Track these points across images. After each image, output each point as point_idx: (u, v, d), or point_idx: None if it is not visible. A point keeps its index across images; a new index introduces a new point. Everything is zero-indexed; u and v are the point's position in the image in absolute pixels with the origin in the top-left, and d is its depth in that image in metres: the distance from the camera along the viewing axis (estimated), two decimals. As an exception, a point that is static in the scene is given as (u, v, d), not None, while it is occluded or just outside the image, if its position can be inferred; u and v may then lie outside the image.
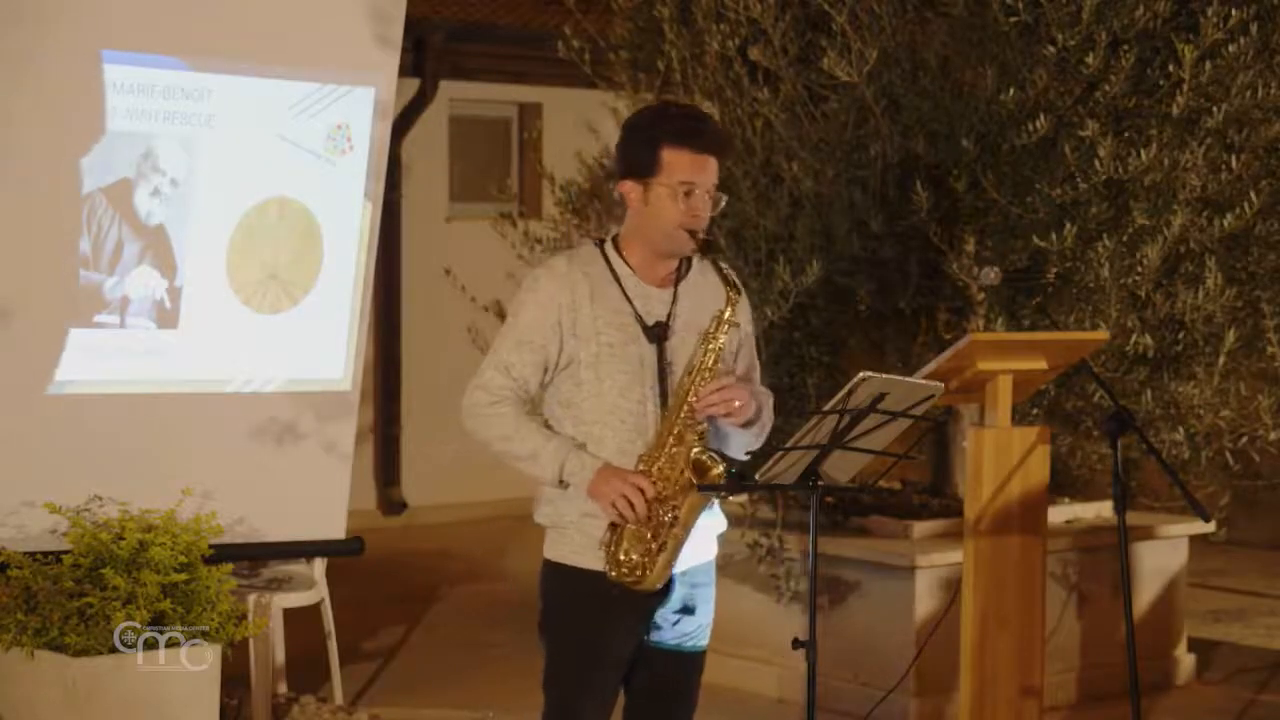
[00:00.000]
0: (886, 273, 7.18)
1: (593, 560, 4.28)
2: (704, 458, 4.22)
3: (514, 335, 4.29)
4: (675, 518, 4.23)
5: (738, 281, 4.31)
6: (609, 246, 4.36)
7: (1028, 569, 5.78)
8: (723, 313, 4.26)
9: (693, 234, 4.26)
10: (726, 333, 4.26)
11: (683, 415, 4.23)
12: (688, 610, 4.39)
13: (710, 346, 4.25)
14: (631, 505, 4.19)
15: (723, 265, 4.32)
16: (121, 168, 6.24)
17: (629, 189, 4.30)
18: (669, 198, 4.24)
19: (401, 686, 7.52)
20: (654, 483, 4.21)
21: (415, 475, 11.94)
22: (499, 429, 4.27)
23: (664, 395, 4.30)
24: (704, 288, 4.38)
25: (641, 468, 4.24)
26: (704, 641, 4.45)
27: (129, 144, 6.24)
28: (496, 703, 7.10)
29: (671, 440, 4.24)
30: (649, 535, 4.23)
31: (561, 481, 4.25)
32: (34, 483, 6.02)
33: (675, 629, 4.38)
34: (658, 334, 4.30)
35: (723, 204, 4.34)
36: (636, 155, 4.28)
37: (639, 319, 4.30)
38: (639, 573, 4.23)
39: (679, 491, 4.23)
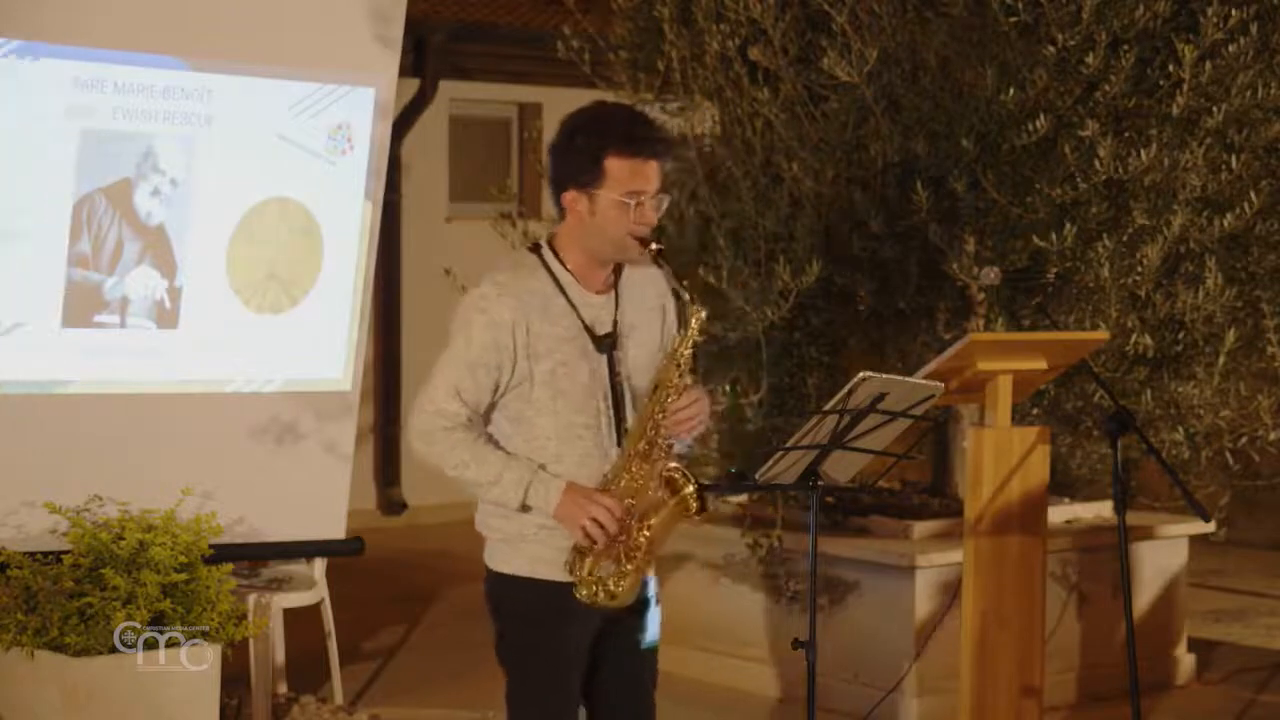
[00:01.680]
0: (886, 273, 7.17)
1: (552, 571, 4.21)
2: (675, 475, 4.14)
3: (466, 358, 4.15)
4: (649, 537, 4.17)
5: (683, 293, 4.19)
6: (547, 253, 4.24)
7: (1028, 569, 5.79)
8: (689, 330, 4.17)
9: (642, 241, 4.17)
10: (690, 349, 4.18)
11: (648, 432, 4.16)
12: (648, 605, 4.34)
13: (676, 365, 4.16)
14: (602, 527, 4.11)
15: (674, 279, 4.21)
16: (121, 168, 6.24)
17: (573, 200, 4.19)
18: (616, 208, 4.14)
19: (401, 686, 7.52)
20: (621, 502, 4.14)
21: (415, 475, 11.93)
22: (457, 455, 4.15)
23: (617, 405, 4.23)
24: (641, 284, 4.31)
25: (608, 487, 4.16)
26: (658, 636, 4.40)
27: (129, 144, 6.24)
28: (496, 703, 7.04)
29: (637, 458, 4.16)
30: (621, 555, 4.16)
31: (524, 505, 4.17)
32: (34, 483, 6.03)
33: (635, 628, 4.33)
34: (608, 344, 4.22)
35: (665, 205, 4.24)
36: (578, 165, 4.17)
37: (588, 330, 4.21)
38: (610, 591, 4.17)
39: (650, 509, 4.16)
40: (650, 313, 4.31)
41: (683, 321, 4.24)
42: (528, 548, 4.24)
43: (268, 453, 6.59)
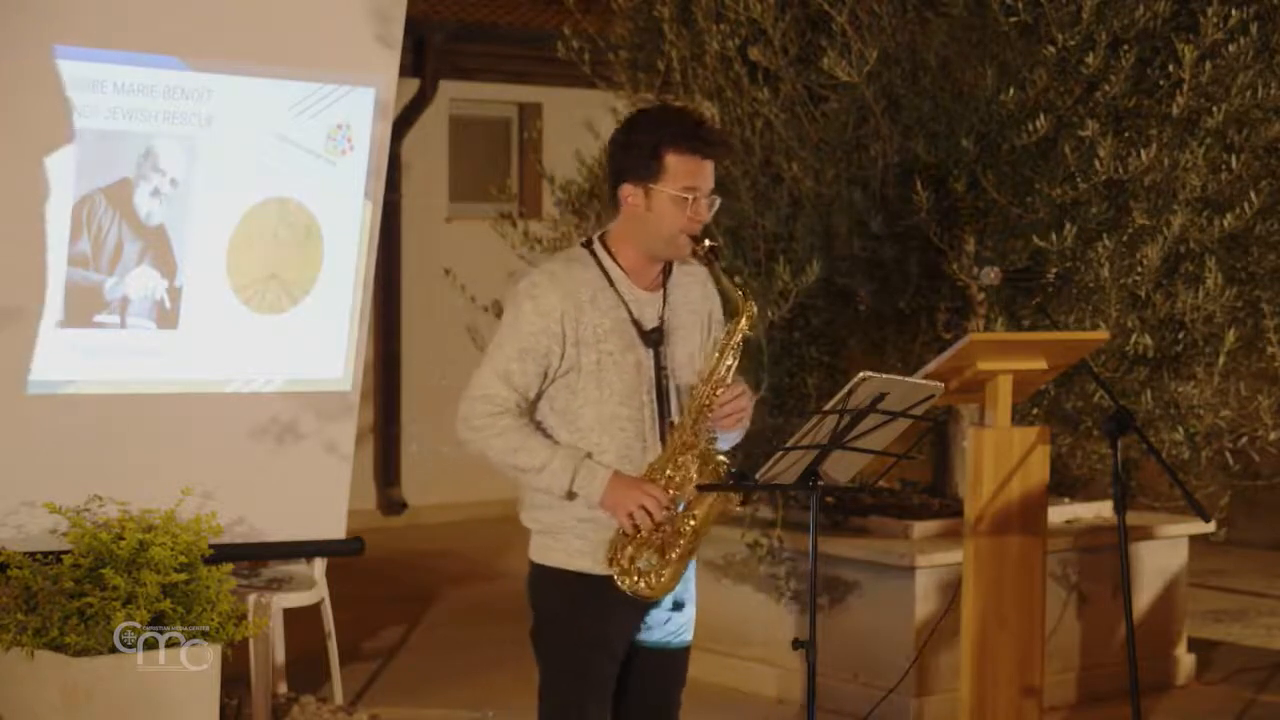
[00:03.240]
0: (886, 273, 7.17)
1: (590, 564, 4.26)
2: (720, 467, 4.22)
3: (515, 344, 4.23)
4: (693, 526, 4.23)
5: (733, 288, 4.27)
6: (599, 248, 4.32)
7: (1028, 569, 5.78)
8: (739, 322, 4.24)
9: (693, 239, 4.24)
10: (740, 341, 4.25)
11: (694, 424, 4.22)
12: (678, 606, 4.39)
13: (725, 359, 4.23)
14: (649, 514, 4.17)
15: (732, 274, 4.28)
16: (121, 168, 6.24)
17: (629, 193, 4.26)
18: (672, 203, 4.22)
19: (401, 686, 7.52)
20: (667, 492, 4.20)
21: (415, 475, 11.94)
22: (504, 442, 4.21)
23: (660, 400, 4.28)
24: (689, 286, 4.38)
25: (654, 477, 4.22)
26: (690, 635, 4.45)
27: (129, 144, 6.24)
28: (496, 703, 7.11)
29: (681, 448, 4.23)
30: (663, 544, 4.22)
31: (570, 493, 4.22)
32: (34, 483, 6.03)
33: (665, 627, 4.38)
34: (654, 339, 4.29)
35: (716, 206, 4.31)
36: (638, 159, 4.24)
37: (635, 324, 4.28)
38: (651, 581, 4.22)
39: (694, 500, 4.22)
40: (694, 315, 4.38)
41: (731, 318, 4.30)
42: (566, 540, 4.29)
43: (268, 453, 6.59)
